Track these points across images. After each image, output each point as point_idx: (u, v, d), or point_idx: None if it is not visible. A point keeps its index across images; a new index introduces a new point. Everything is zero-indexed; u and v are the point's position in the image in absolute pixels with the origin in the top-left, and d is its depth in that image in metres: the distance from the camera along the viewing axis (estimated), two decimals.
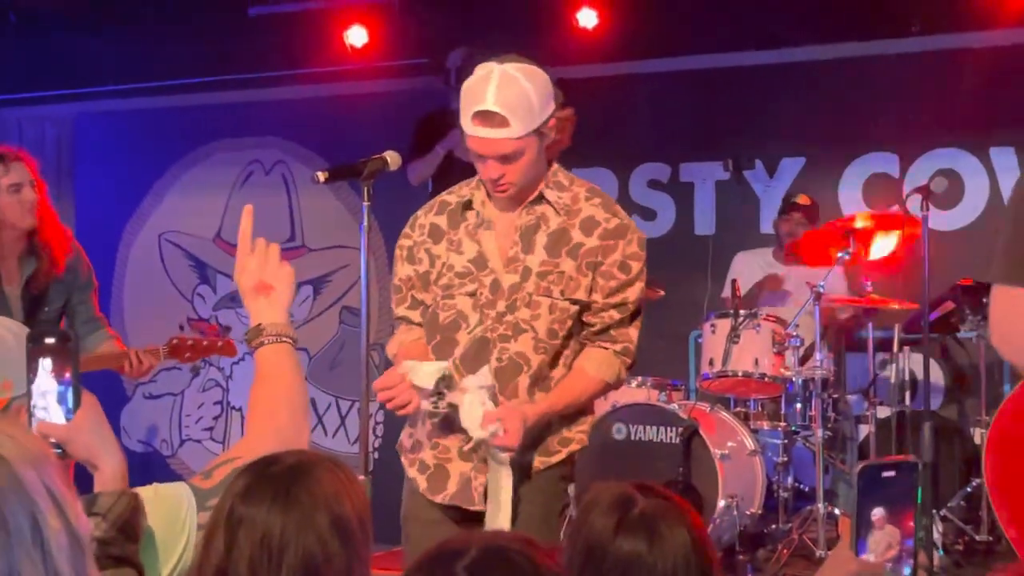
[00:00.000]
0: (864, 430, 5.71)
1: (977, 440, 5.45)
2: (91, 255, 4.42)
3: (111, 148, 7.53)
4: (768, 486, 5.33)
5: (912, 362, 5.63)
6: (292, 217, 7.25)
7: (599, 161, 6.47)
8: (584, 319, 3.03)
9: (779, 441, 5.48)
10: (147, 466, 6.99)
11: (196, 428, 7.36)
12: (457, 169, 5.84)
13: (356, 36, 6.61)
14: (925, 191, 4.98)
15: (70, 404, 1.85)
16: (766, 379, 5.27)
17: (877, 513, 1.73)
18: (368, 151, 3.23)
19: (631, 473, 4.78)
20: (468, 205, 3.06)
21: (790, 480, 5.47)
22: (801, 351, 5.32)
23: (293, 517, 1.64)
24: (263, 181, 7.32)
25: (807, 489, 5.54)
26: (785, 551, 5.11)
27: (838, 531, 4.73)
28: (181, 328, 7.25)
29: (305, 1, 6.76)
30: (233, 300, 7.26)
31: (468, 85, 2.88)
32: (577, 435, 3.08)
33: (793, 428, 5.44)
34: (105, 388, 5.50)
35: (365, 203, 3.14)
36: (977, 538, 5.23)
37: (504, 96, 2.82)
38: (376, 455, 6.38)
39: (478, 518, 2.97)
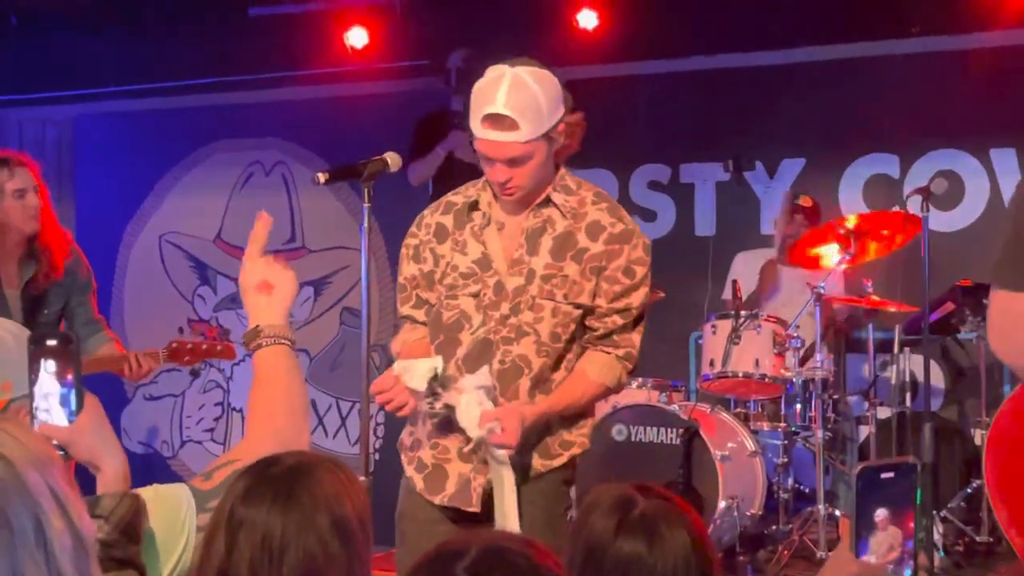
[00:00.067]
0: (864, 431, 5.71)
1: (977, 441, 5.45)
2: (91, 256, 4.42)
3: (112, 149, 7.53)
4: (768, 487, 5.33)
5: (912, 363, 5.63)
6: (292, 218, 7.26)
7: (599, 162, 6.47)
8: (587, 323, 3.03)
9: (779, 442, 5.49)
10: (148, 467, 6.99)
11: (197, 429, 7.36)
12: (457, 170, 5.85)
13: (357, 37, 6.62)
14: (925, 192, 4.98)
15: (72, 406, 1.85)
16: (766, 380, 5.27)
17: (880, 514, 1.73)
18: (368, 152, 3.23)
19: (631, 474, 4.78)
20: (474, 206, 3.06)
21: (790, 481, 5.47)
22: (801, 352, 5.33)
23: (294, 518, 1.65)
24: (263, 182, 7.32)
25: (807, 490, 5.54)
26: (785, 552, 5.11)
27: (838, 532, 4.73)
28: (180, 331, 7.24)
29: (306, 2, 6.76)
30: (234, 301, 7.26)
31: (479, 87, 2.88)
32: (578, 439, 3.08)
33: (793, 429, 5.44)
34: (106, 389, 5.51)
35: (365, 204, 3.15)
36: (977, 539, 5.22)
37: (514, 99, 2.82)
38: (377, 456, 6.38)
39: (476, 519, 2.97)
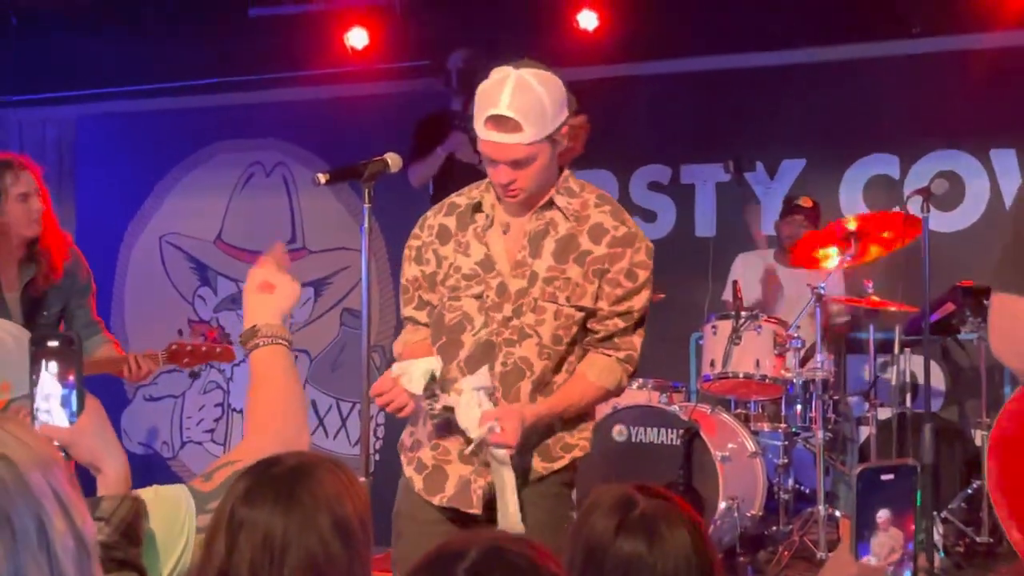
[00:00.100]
0: (865, 432, 5.71)
1: (978, 442, 5.45)
2: (92, 257, 4.42)
3: (112, 150, 7.53)
4: (769, 488, 5.33)
5: (913, 364, 5.63)
6: (293, 219, 7.26)
7: (599, 163, 6.46)
8: (588, 326, 3.03)
9: (780, 443, 5.48)
10: (148, 468, 6.99)
11: (197, 430, 7.36)
12: (458, 170, 5.86)
13: (357, 38, 6.62)
14: (926, 193, 4.98)
15: (74, 407, 1.85)
16: (767, 381, 5.28)
17: (883, 515, 1.72)
18: (369, 153, 3.24)
19: (632, 475, 4.78)
20: (478, 207, 3.06)
21: (791, 482, 5.47)
22: (802, 353, 5.33)
23: (295, 518, 1.65)
24: (264, 183, 7.32)
25: (808, 491, 5.54)
26: (786, 553, 5.11)
27: (839, 533, 4.74)
28: (180, 333, 7.25)
29: (306, 3, 6.76)
30: (234, 302, 7.27)
31: (483, 88, 2.88)
32: (579, 441, 3.08)
33: (794, 430, 5.44)
34: (106, 390, 5.51)
35: (366, 205, 3.15)
36: (978, 540, 5.23)
37: (518, 101, 2.82)
38: (377, 457, 6.38)
39: (475, 521, 2.97)
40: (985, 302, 5.01)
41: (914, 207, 5.07)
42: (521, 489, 2.91)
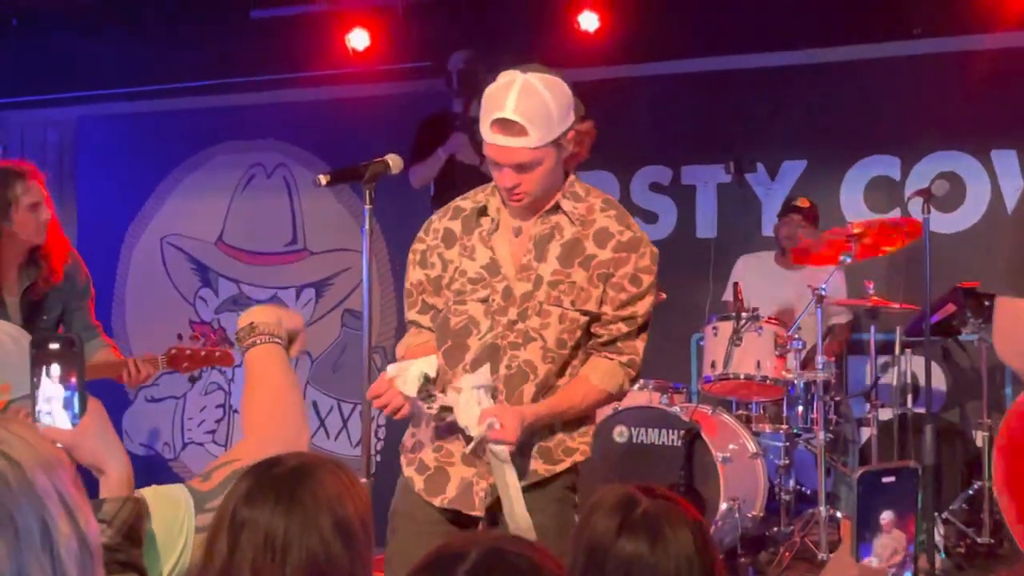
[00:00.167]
0: (866, 433, 5.71)
1: (979, 443, 5.45)
2: (93, 258, 4.43)
3: (113, 151, 7.54)
4: (770, 489, 5.33)
5: (914, 365, 5.63)
6: (294, 220, 7.26)
7: (600, 164, 6.46)
8: (592, 330, 3.03)
9: (781, 444, 5.48)
10: (149, 469, 6.99)
11: (198, 431, 7.36)
12: (459, 172, 5.86)
13: (358, 39, 6.62)
14: (926, 194, 4.98)
15: (76, 409, 1.85)
16: (768, 382, 5.27)
17: (886, 517, 1.72)
18: (370, 154, 3.24)
19: (633, 476, 4.77)
20: (483, 211, 3.06)
21: (792, 483, 5.47)
22: (803, 354, 5.33)
23: (296, 519, 1.65)
24: (265, 184, 7.32)
25: (809, 492, 5.54)
26: (787, 554, 5.11)
27: (840, 534, 4.73)
28: (180, 337, 7.23)
29: (307, 4, 6.77)
30: (235, 303, 7.27)
31: (489, 92, 2.88)
32: (580, 445, 3.08)
33: (795, 431, 5.44)
34: (107, 391, 5.50)
35: (367, 206, 3.15)
36: (979, 541, 5.22)
37: (524, 105, 2.81)
38: (378, 458, 6.38)
39: (475, 523, 2.97)
40: (986, 303, 5.02)
41: (915, 208, 5.08)
42: (526, 494, 2.91)
